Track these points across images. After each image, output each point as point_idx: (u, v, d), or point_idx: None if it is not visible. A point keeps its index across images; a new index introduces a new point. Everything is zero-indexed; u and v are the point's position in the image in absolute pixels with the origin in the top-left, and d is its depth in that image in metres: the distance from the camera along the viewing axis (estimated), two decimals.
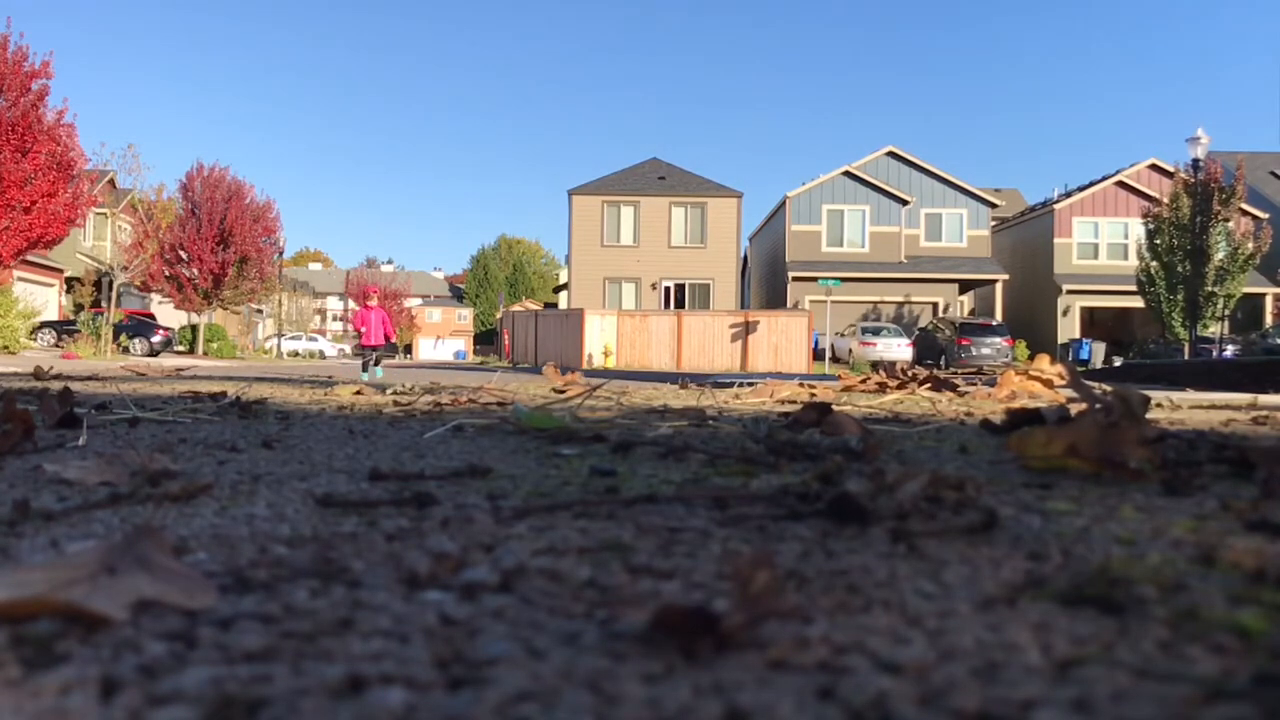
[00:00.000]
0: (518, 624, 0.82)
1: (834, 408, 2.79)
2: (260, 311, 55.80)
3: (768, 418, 3.16)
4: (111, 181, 36.42)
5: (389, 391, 4.96)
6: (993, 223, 42.10)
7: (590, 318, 31.03)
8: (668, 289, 39.49)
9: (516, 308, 54.86)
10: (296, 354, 57.52)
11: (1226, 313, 31.52)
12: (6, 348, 22.49)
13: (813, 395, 4.38)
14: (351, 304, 66.22)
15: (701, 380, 7.82)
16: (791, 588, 0.95)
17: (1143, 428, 1.74)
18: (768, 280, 44.76)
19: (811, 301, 37.15)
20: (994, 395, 4.57)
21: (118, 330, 29.29)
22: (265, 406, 3.66)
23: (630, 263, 39.56)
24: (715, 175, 61.28)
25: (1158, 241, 32.52)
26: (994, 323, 31.51)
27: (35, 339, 28.63)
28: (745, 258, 46.54)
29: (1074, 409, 2.37)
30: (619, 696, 0.65)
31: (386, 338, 14.39)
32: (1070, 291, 39.33)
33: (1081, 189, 40.83)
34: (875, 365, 26.54)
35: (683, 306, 38.22)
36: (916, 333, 33.68)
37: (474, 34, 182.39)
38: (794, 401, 4.15)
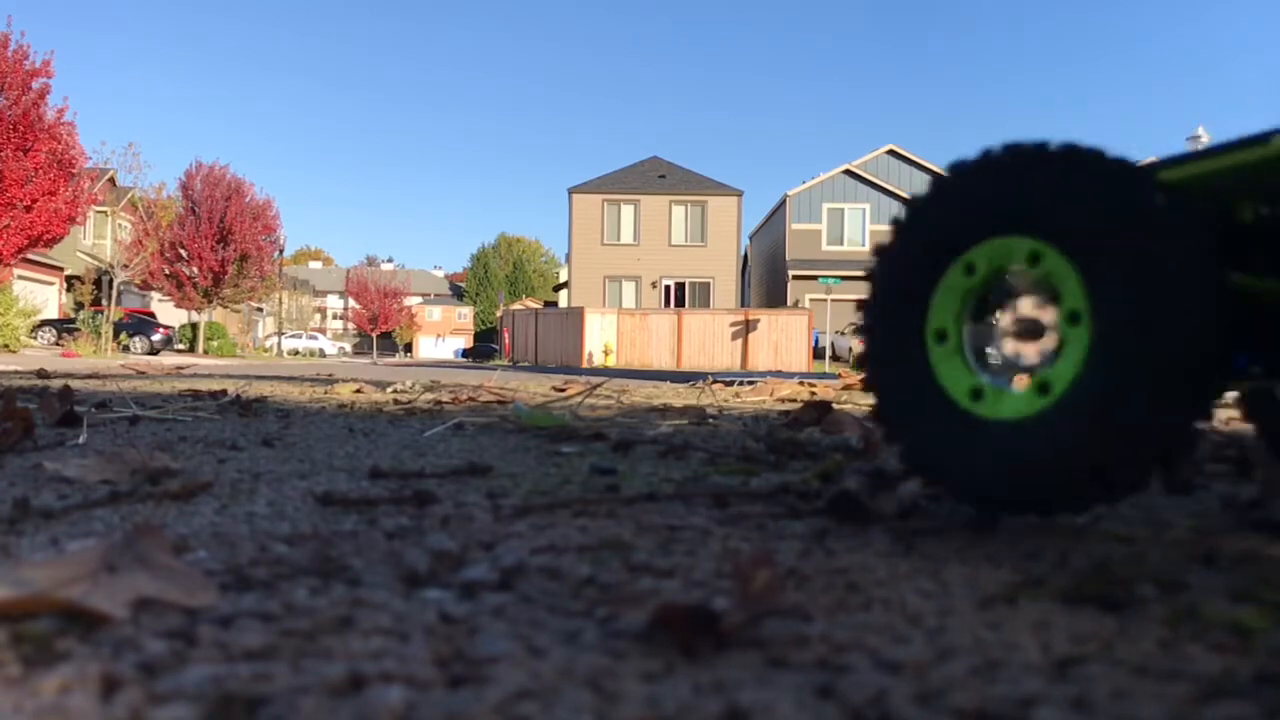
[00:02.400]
0: (518, 622, 0.82)
1: (834, 406, 2.79)
2: (260, 310, 55.79)
3: (768, 416, 3.16)
4: (111, 180, 36.38)
5: (389, 390, 4.96)
6: None
7: (590, 316, 31.02)
8: (668, 287, 39.49)
9: (517, 306, 54.79)
10: (297, 352, 57.50)
11: None
12: (7, 346, 22.49)
13: (813, 394, 4.38)
14: (353, 302, 66.24)
15: (702, 377, 7.82)
16: (791, 586, 0.95)
17: None
18: (768, 279, 44.75)
19: (812, 300, 37.15)
20: None
21: (118, 328, 29.27)
22: (265, 405, 3.66)
23: (630, 261, 39.55)
24: (715, 174, 61.17)
25: None
26: None
27: (35, 337, 28.62)
28: (745, 256, 46.54)
29: None
30: (619, 695, 0.65)
31: None
32: None
33: None
34: None
35: (683, 305, 38.22)
36: None
37: (475, 33, 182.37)
38: (794, 400, 4.14)
